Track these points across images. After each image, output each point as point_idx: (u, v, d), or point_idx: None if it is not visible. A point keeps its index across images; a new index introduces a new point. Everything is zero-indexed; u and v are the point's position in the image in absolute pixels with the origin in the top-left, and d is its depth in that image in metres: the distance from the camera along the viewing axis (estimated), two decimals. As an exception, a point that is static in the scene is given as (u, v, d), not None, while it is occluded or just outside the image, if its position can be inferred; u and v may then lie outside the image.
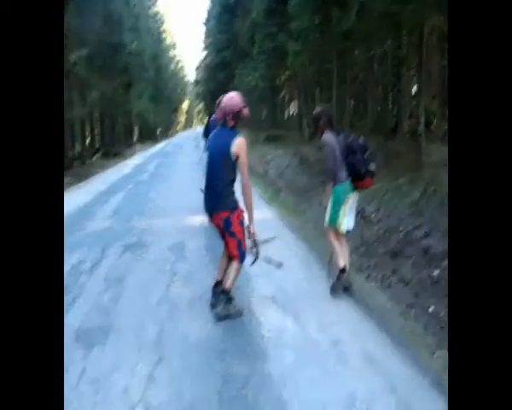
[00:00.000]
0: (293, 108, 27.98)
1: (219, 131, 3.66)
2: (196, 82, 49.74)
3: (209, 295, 4.09)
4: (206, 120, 7.21)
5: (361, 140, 4.38)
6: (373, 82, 11.95)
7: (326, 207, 4.48)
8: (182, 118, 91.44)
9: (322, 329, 3.68)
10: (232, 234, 3.71)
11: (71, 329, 3.73)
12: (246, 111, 3.57)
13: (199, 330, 3.72)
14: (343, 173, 4.24)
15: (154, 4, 42.48)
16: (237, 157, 3.52)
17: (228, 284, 3.83)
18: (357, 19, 7.27)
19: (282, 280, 4.73)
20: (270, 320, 3.87)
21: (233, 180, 3.66)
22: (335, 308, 4.10)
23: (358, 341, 3.48)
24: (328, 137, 4.32)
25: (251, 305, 4.16)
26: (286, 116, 27.43)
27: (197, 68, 48.55)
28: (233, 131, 3.57)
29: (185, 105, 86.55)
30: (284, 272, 4.78)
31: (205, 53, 44.89)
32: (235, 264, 3.83)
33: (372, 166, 4.27)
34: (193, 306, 4.17)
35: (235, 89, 23.93)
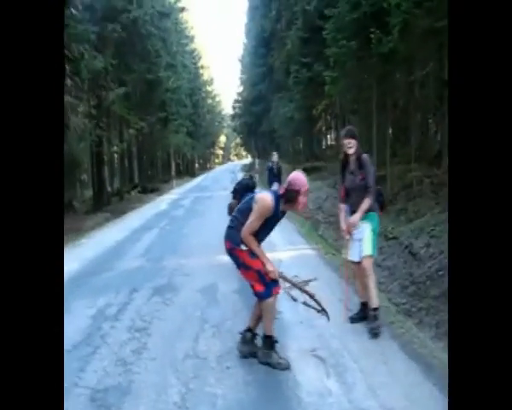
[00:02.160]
0: (329, 139, 27.63)
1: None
2: (233, 116, 50.44)
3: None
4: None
5: None
6: (414, 107, 11.40)
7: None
8: (219, 152, 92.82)
9: (371, 393, 3.12)
10: (246, 266, 3.50)
11: (87, 386, 3.38)
12: (305, 192, 3.48)
13: (229, 391, 3.25)
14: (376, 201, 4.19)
15: (191, 41, 43.76)
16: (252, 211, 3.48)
17: (266, 329, 3.57)
18: (400, 38, 6.86)
19: (323, 329, 4.20)
20: (310, 380, 3.35)
21: (242, 223, 3.50)
22: (385, 365, 3.53)
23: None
24: (367, 156, 4.18)
25: (287, 360, 3.65)
26: (323, 147, 27.05)
27: (234, 103, 49.26)
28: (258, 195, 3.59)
29: (222, 139, 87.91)
30: (326, 319, 4.24)
31: (241, 88, 45.65)
32: (263, 305, 3.54)
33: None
34: (223, 361, 3.71)
35: (270, 121, 23.91)
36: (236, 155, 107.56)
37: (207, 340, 4.16)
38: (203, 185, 28.72)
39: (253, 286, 3.53)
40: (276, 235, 3.46)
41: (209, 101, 57.83)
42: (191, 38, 43.88)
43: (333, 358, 3.70)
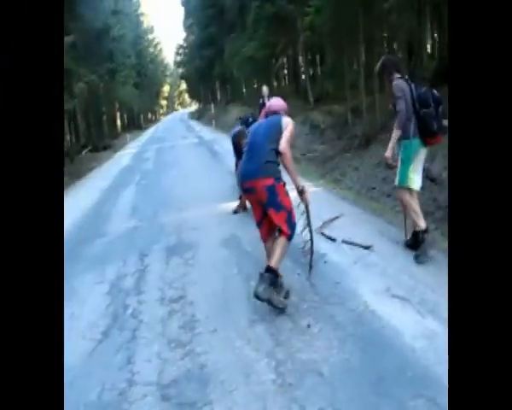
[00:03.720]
0: (287, 80, 26.70)
1: (265, 119, 3.67)
2: (179, 63, 47.80)
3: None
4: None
5: (435, 92, 3.97)
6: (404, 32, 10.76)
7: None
8: (163, 102, 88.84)
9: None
10: (279, 206, 3.28)
11: (149, 382, 2.68)
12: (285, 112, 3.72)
13: (324, 352, 2.65)
14: (413, 127, 3.90)
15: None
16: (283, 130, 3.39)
17: (273, 262, 3.24)
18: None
19: (384, 266, 3.72)
20: (406, 323, 2.86)
21: (277, 152, 3.34)
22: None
23: None
24: (400, 83, 3.94)
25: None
26: (283, 84, 26.10)
27: (178, 49, 46.42)
28: (278, 116, 3.56)
29: (166, 88, 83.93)
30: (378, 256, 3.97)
31: (185, 33, 43.05)
32: (282, 240, 3.32)
33: (445, 123, 3.88)
34: (299, 319, 3.08)
35: (224, 64, 22.63)
36: (180, 103, 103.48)
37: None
38: (159, 137, 27.00)
39: (280, 228, 3.32)
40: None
41: (151, 50, 54.46)
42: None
43: (413, 294, 3.26)
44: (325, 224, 5.13)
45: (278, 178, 3.31)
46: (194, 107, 65.70)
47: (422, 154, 4.04)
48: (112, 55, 21.09)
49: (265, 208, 3.32)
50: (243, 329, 3.13)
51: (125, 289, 4.15)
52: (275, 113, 3.62)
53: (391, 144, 3.99)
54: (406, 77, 4.11)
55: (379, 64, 4.34)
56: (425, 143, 3.96)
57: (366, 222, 5.15)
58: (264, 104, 10.39)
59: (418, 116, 3.87)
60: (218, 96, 39.25)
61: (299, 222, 3.60)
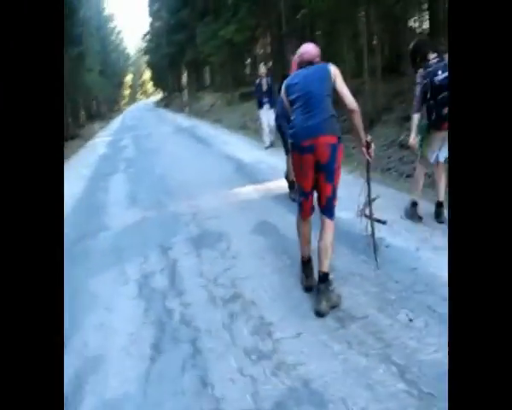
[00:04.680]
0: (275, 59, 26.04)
1: (305, 69, 3.07)
2: (144, 50, 46.14)
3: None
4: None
5: None
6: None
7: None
8: (126, 91, 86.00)
9: None
10: (332, 176, 2.88)
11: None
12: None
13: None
14: (426, 113, 3.97)
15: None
16: (334, 82, 2.94)
17: (326, 265, 2.89)
18: None
19: None
20: None
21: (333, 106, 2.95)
22: None
23: None
24: (419, 75, 3.98)
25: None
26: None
27: (144, 36, 44.63)
28: (325, 64, 3.04)
29: (129, 78, 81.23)
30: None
31: (150, 19, 41.41)
32: (330, 227, 2.96)
33: (447, 111, 3.75)
34: (393, 314, 2.57)
35: (196, 49, 21.71)
36: (143, 93, 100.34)
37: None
38: (130, 125, 25.60)
39: (330, 199, 2.93)
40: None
41: (112, 38, 52.32)
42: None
43: None
44: (365, 205, 4.65)
45: (340, 138, 2.89)
46: (158, 96, 63.74)
47: (438, 137, 4.00)
48: (81, 37, 19.74)
49: (320, 172, 2.88)
50: (333, 329, 2.60)
51: (159, 289, 3.51)
52: (310, 62, 3.10)
53: (412, 133, 4.08)
54: (442, 56, 3.92)
55: (412, 46, 4.15)
56: (437, 127, 3.93)
57: (403, 201, 4.68)
58: (260, 84, 9.66)
59: (433, 102, 3.85)
60: (186, 83, 37.95)
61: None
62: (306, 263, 3.17)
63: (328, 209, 2.95)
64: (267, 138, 9.52)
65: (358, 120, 2.95)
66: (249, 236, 4.35)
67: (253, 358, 2.43)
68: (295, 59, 3.24)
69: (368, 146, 3.11)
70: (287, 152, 5.35)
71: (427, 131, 4.08)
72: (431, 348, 2.37)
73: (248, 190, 6.16)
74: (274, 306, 2.96)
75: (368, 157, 3.18)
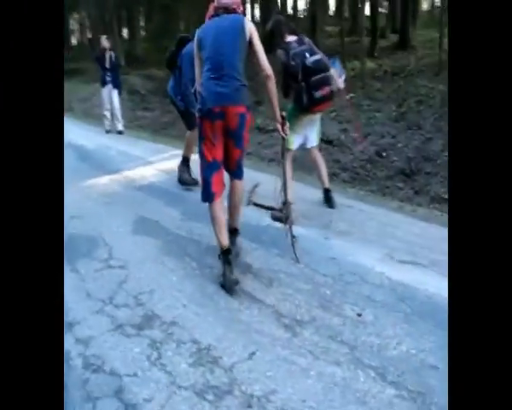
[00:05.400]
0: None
1: (220, 19, 2.82)
2: None
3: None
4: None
5: (324, 58, 3.75)
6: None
7: None
8: None
9: None
10: (242, 142, 2.84)
11: None
12: None
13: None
14: (292, 95, 3.83)
15: None
16: (250, 41, 2.78)
17: (238, 221, 3.12)
18: None
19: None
20: None
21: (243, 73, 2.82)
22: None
23: None
24: (279, 53, 3.76)
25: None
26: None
27: None
28: (240, 15, 2.88)
29: None
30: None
31: None
32: (241, 187, 3.00)
33: (320, 93, 3.68)
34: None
35: None
36: None
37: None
38: None
39: (239, 162, 2.92)
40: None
41: None
42: None
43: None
44: (251, 193, 4.39)
45: (249, 107, 2.84)
46: None
47: (306, 121, 3.94)
48: None
49: (229, 139, 2.80)
50: (286, 339, 2.27)
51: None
52: (227, 9, 2.81)
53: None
54: (302, 38, 3.83)
55: (270, 23, 3.92)
56: (307, 110, 3.81)
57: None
58: (102, 57, 8.26)
59: (305, 84, 3.67)
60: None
61: None
62: (227, 253, 2.77)
63: (237, 170, 2.92)
64: (107, 121, 8.50)
65: (273, 87, 2.82)
66: (132, 237, 3.67)
67: (210, 398, 1.93)
68: (213, 4, 2.88)
69: (283, 123, 2.95)
70: (190, 126, 4.69)
71: (292, 115, 3.81)
72: (393, 341, 2.26)
73: (106, 182, 5.34)
74: (203, 322, 2.47)
75: (283, 134, 3.01)
